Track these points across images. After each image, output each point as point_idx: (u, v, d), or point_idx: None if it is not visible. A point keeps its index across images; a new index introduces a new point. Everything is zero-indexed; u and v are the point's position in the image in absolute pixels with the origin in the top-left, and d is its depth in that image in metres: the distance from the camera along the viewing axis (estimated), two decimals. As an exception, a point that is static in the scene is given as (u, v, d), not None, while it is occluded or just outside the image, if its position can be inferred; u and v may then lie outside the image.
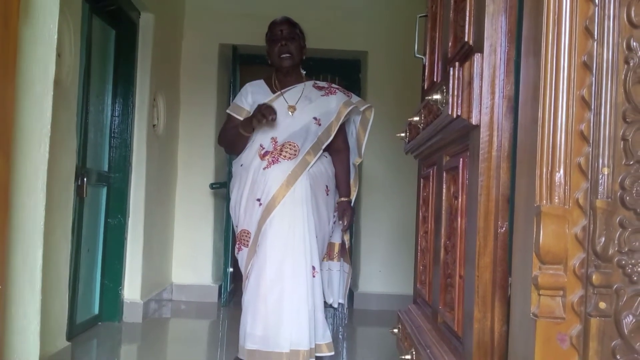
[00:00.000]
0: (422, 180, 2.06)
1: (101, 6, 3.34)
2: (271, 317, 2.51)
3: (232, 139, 2.74)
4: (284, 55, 2.69)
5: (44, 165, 1.62)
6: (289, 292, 2.52)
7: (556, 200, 1.03)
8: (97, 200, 3.52)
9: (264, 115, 2.49)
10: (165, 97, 4.14)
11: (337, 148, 2.78)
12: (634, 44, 1.03)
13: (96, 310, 3.53)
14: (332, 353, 2.66)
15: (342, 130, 2.79)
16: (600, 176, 1.03)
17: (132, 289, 3.70)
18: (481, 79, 1.28)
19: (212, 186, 4.56)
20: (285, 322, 2.50)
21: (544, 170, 1.04)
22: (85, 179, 3.07)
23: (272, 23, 2.76)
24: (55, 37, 1.65)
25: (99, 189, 3.52)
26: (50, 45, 1.64)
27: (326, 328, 2.64)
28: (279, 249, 2.54)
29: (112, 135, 3.64)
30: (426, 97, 1.62)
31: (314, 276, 2.57)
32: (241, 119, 2.69)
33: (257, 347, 2.51)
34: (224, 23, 4.62)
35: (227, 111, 2.83)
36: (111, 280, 3.59)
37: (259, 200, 2.59)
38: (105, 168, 3.60)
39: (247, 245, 2.66)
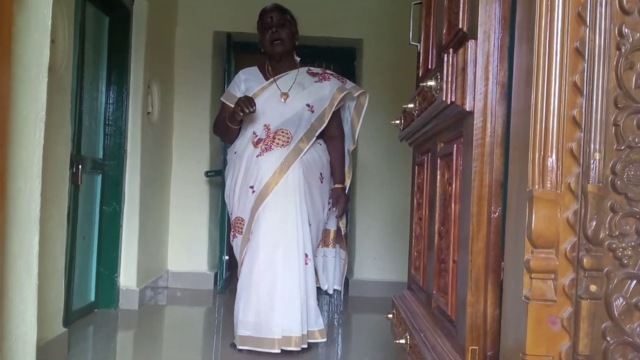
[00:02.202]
0: (416, 167, 2.07)
1: (94, -7, 3.32)
2: (263, 303, 2.53)
3: (224, 128, 2.75)
4: (275, 42, 2.69)
5: (39, 151, 1.62)
6: (281, 279, 2.53)
7: (548, 185, 1.04)
8: (92, 188, 3.52)
9: (242, 109, 2.49)
10: (160, 85, 4.13)
11: (332, 134, 2.79)
12: (626, 30, 1.04)
13: (92, 298, 3.55)
14: (325, 339, 2.68)
15: (336, 117, 2.80)
16: (592, 161, 1.04)
17: (128, 277, 3.71)
18: (475, 66, 1.29)
19: (207, 174, 4.56)
20: (277, 308, 2.52)
21: (537, 155, 1.05)
22: (80, 167, 3.07)
23: (262, 11, 2.76)
24: (50, 22, 1.65)
25: (93, 176, 3.52)
26: (45, 31, 1.64)
27: (319, 315, 2.66)
28: (272, 236, 2.55)
29: (107, 122, 3.63)
30: (421, 84, 1.62)
31: (306, 263, 2.59)
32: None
33: (249, 333, 2.54)
34: (217, 11, 4.60)
35: (221, 99, 2.83)
36: (107, 268, 3.60)
37: (252, 187, 2.61)
38: (100, 155, 3.60)
39: (242, 232, 2.68)
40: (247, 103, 2.50)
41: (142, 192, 3.80)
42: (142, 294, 3.82)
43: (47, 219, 2.42)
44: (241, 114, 2.51)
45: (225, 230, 4.43)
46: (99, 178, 3.58)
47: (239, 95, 2.73)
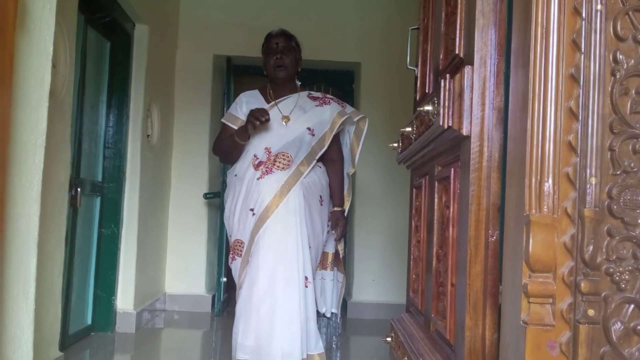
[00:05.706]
0: (414, 190, 2.07)
1: (96, 18, 3.36)
2: (263, 327, 2.51)
3: (227, 148, 2.75)
4: (279, 68, 2.71)
5: (38, 176, 1.63)
6: (281, 302, 2.52)
7: (545, 210, 1.05)
8: (91, 211, 3.52)
9: (257, 118, 2.50)
10: (160, 108, 4.15)
11: (331, 158, 2.79)
12: (620, 56, 1.06)
13: (89, 321, 3.52)
14: (325, 363, 2.65)
15: (336, 141, 2.81)
16: (588, 186, 1.05)
17: (125, 299, 3.69)
18: (471, 91, 1.30)
19: (205, 196, 4.57)
20: (277, 332, 2.49)
21: (533, 180, 1.06)
22: (79, 189, 3.08)
23: (268, 35, 2.79)
24: (51, 48, 1.66)
25: (92, 199, 3.52)
26: (46, 57, 1.65)
27: (319, 338, 2.64)
28: (272, 259, 2.54)
29: (106, 145, 3.65)
30: (418, 108, 1.64)
31: (306, 286, 2.57)
32: (236, 128, 2.70)
33: (248, 357, 2.51)
34: (218, 34, 4.65)
35: (222, 120, 2.84)
36: (104, 291, 3.58)
37: (252, 210, 2.60)
38: (99, 178, 3.60)
39: (241, 255, 2.66)
40: (261, 112, 2.52)
41: (141, 215, 3.80)
42: (139, 317, 3.79)
43: (45, 242, 2.42)
44: (257, 122, 2.51)
45: (223, 252, 4.42)
46: (98, 200, 3.58)
47: (240, 116, 2.74)
